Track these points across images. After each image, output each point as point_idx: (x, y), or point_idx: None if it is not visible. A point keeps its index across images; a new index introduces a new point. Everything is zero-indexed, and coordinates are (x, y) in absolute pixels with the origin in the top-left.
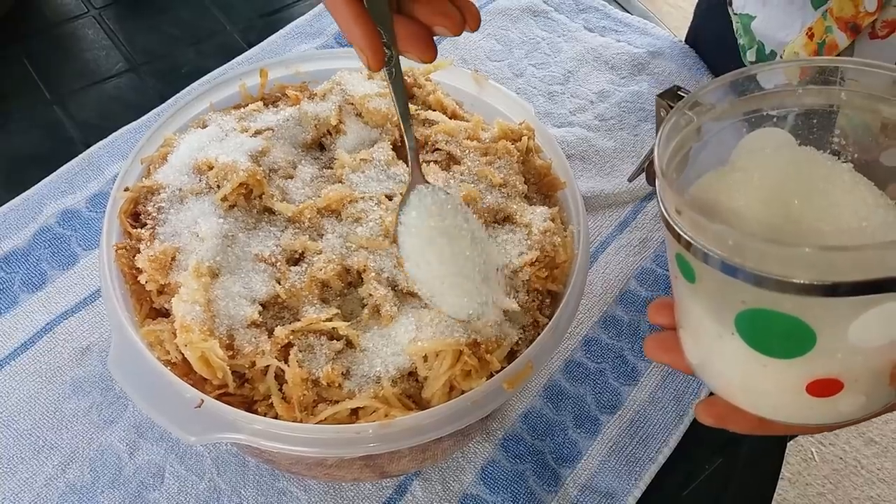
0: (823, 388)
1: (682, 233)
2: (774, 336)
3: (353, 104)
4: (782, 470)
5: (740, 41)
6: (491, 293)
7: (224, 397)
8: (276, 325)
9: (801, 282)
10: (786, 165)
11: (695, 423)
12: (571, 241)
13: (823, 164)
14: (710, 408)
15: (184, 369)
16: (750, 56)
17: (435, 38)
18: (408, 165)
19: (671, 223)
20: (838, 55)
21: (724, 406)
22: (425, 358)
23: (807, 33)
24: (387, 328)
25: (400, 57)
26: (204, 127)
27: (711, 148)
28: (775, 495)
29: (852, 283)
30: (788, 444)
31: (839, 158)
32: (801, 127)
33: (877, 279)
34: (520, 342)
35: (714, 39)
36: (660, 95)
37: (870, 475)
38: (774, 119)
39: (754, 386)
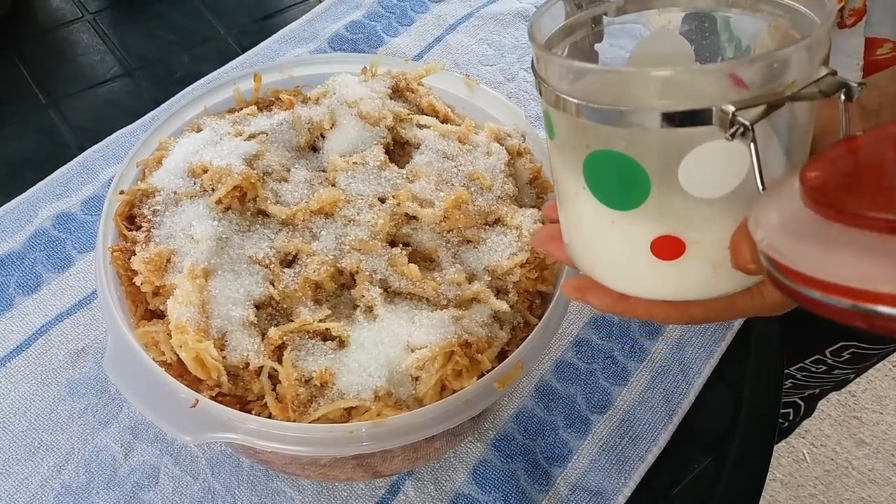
0: (666, 247)
1: (539, 79)
2: (614, 181)
3: (346, 106)
4: (774, 471)
5: (721, 37)
6: None
7: (219, 397)
8: (270, 326)
9: (621, 109)
10: None
11: (683, 423)
12: None
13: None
14: (574, 280)
15: (179, 370)
16: (728, 51)
17: (427, 42)
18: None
19: (536, 76)
20: None
21: (587, 280)
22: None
23: None
24: (379, 328)
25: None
26: (198, 131)
27: (610, 45)
28: (767, 497)
29: (663, 112)
30: (780, 444)
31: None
32: (694, 31)
33: (687, 109)
34: (510, 342)
35: None
36: None
37: (861, 476)
38: (669, 21)
39: (606, 249)
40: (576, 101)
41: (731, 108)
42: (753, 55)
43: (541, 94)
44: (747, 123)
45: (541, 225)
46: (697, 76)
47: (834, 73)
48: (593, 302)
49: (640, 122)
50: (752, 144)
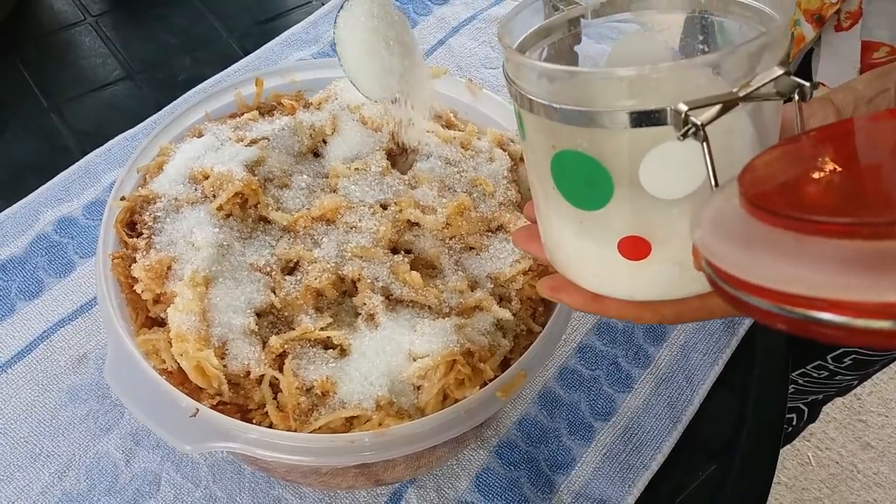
0: (633, 248)
1: (509, 80)
2: (579, 182)
3: (348, 112)
4: (779, 474)
5: (718, 39)
6: (409, 94)
7: (219, 406)
8: (271, 334)
9: (580, 109)
10: None
11: (688, 430)
12: None
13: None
14: (550, 280)
15: (179, 378)
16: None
17: (429, 45)
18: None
19: (506, 77)
20: (804, 48)
21: (562, 279)
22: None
23: None
24: (381, 337)
25: None
26: (200, 136)
27: (588, 48)
28: (772, 500)
29: (620, 112)
30: (785, 448)
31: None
32: (693, 34)
33: (641, 110)
34: (513, 351)
35: None
36: None
37: (866, 479)
38: (669, 27)
39: (577, 249)
40: (540, 101)
41: (684, 108)
42: (703, 55)
43: (511, 95)
44: (698, 123)
45: None
46: (652, 76)
47: (789, 73)
48: (567, 301)
49: (599, 122)
50: (704, 144)
